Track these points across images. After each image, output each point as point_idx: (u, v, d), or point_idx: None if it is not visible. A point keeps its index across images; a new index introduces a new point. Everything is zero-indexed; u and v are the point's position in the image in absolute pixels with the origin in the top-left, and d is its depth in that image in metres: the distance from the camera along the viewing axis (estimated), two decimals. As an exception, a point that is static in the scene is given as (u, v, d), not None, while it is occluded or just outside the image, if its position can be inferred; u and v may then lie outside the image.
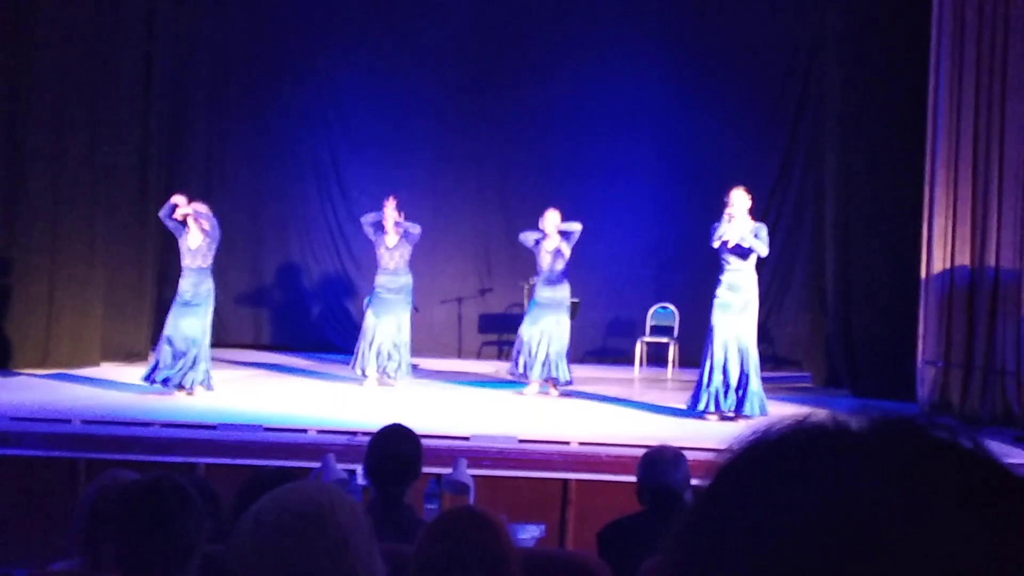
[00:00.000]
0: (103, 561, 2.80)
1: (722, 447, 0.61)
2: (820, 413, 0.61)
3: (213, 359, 8.78)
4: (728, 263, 7.60)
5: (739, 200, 7.55)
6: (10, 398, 7.92)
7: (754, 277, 7.70)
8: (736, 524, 0.54)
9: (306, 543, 1.68)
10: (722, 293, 7.62)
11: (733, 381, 7.57)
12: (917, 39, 8.53)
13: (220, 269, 11.59)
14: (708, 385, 7.60)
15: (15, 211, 9.61)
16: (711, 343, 7.62)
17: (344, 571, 1.69)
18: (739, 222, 7.54)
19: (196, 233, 8.35)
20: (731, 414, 7.59)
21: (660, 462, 3.87)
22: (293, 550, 1.68)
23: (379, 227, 9.03)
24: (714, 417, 7.61)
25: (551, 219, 8.70)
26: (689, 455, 4.08)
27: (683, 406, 8.00)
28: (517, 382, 8.93)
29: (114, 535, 2.40)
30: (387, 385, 8.96)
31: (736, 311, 7.58)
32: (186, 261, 8.43)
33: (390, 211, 8.96)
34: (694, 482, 4.03)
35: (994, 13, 8.16)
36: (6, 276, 9.61)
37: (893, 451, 0.55)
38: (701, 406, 7.64)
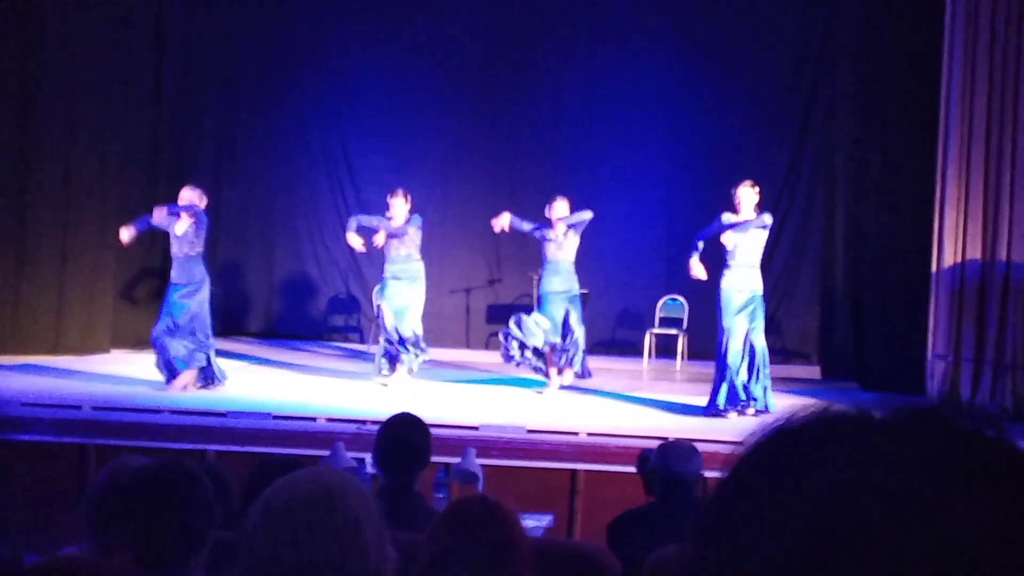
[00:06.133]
0: (113, 547, 2.81)
1: (738, 438, 0.61)
2: (840, 403, 0.61)
3: (222, 347, 8.76)
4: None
5: (746, 197, 7.48)
6: (21, 384, 7.95)
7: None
8: (761, 511, 0.54)
9: (317, 528, 1.69)
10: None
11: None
12: (930, 31, 8.49)
13: (230, 258, 11.67)
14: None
15: (26, 199, 9.63)
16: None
17: (355, 556, 1.69)
18: (743, 217, 7.50)
19: (184, 221, 8.07)
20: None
21: (674, 452, 3.88)
22: (304, 535, 1.68)
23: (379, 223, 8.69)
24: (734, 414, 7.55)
25: (559, 209, 8.43)
26: (699, 448, 4.09)
27: (693, 398, 7.99)
28: (530, 379, 8.71)
29: (125, 521, 2.40)
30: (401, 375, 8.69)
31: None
32: (173, 249, 8.18)
33: (397, 201, 8.64)
34: (707, 474, 4.03)
35: (1008, 5, 8.12)
36: (17, 263, 9.64)
37: (917, 439, 0.55)
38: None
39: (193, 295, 8.07)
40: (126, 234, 8.19)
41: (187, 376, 7.98)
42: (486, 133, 11.41)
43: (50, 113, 9.67)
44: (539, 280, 8.77)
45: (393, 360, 8.73)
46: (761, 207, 7.65)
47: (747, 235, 7.46)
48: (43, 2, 9.58)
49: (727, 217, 7.51)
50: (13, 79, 9.56)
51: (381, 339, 8.80)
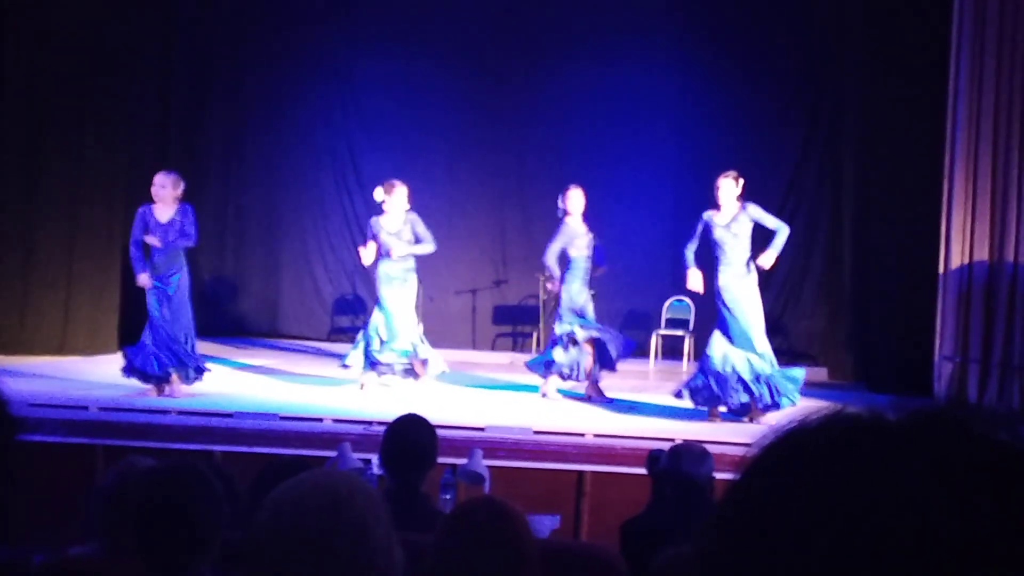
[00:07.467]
0: (121, 547, 2.81)
1: (748, 440, 0.61)
2: (852, 406, 0.61)
3: (230, 348, 8.76)
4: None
5: (726, 188, 7.37)
6: (28, 385, 7.96)
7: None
8: (774, 512, 0.54)
9: (324, 530, 1.68)
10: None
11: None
12: (937, 30, 8.48)
13: (236, 258, 11.69)
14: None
15: (34, 198, 9.66)
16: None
17: (362, 558, 1.69)
18: (725, 212, 7.46)
19: (165, 207, 7.61)
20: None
21: (686, 454, 3.88)
22: (311, 537, 1.68)
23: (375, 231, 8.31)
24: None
25: (574, 198, 8.17)
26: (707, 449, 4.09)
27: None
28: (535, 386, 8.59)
29: (133, 522, 2.40)
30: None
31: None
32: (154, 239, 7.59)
33: (397, 192, 8.32)
34: (718, 476, 4.02)
35: (1016, 3, 8.10)
36: (24, 263, 9.66)
37: (932, 442, 0.55)
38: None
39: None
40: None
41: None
42: (493, 133, 11.41)
43: (58, 115, 9.70)
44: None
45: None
46: (764, 204, 7.62)
47: (745, 233, 7.43)
48: (52, 3, 9.61)
49: (715, 219, 7.44)
50: (21, 81, 9.59)
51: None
